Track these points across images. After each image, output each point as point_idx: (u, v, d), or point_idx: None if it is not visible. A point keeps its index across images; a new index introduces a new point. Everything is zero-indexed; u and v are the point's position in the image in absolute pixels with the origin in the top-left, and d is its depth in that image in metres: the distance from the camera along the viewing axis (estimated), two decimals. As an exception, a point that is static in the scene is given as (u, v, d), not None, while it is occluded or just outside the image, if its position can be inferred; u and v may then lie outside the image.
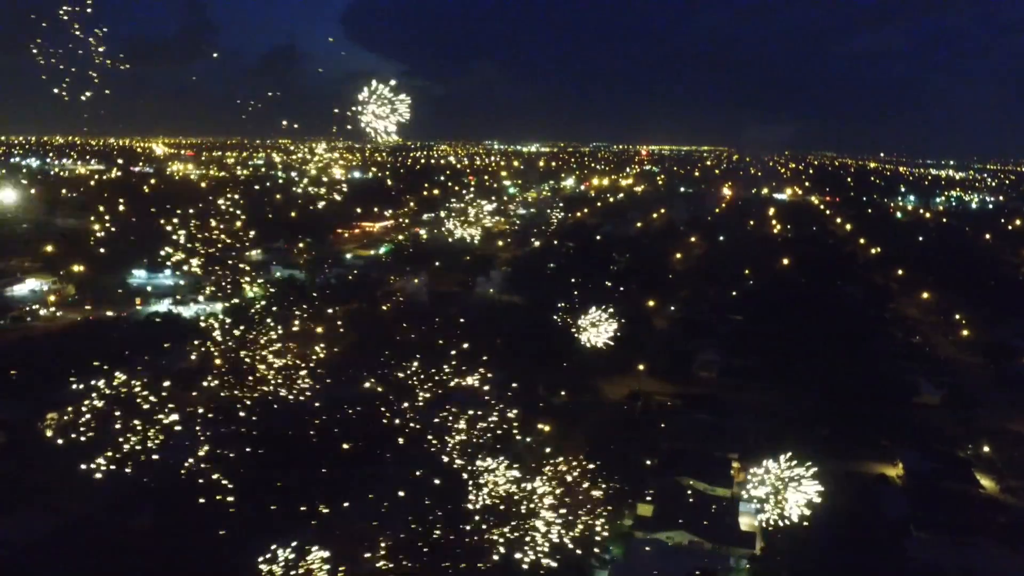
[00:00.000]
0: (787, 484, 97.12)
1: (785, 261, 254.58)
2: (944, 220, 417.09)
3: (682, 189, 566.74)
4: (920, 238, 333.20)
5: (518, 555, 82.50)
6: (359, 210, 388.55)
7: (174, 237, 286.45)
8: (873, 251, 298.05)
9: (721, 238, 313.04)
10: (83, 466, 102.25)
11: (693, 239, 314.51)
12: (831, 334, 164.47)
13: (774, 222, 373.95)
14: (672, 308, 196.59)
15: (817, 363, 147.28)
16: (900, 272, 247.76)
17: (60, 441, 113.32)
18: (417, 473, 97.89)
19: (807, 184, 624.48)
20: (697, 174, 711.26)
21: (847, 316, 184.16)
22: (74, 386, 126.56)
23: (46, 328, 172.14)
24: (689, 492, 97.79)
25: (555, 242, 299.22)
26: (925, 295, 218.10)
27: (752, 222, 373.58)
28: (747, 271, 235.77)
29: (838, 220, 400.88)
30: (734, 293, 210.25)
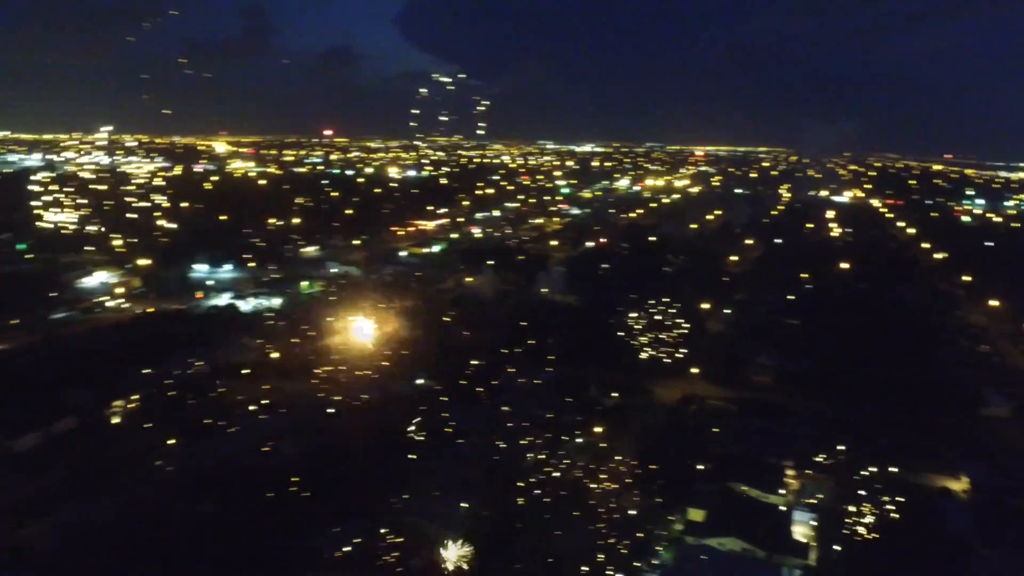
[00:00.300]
0: (844, 495, 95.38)
1: (844, 265, 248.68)
2: (1015, 224, 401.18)
3: (738, 191, 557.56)
4: (989, 243, 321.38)
5: (568, 554, 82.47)
6: (414, 208, 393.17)
7: (234, 233, 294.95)
8: (938, 256, 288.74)
9: (778, 241, 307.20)
10: (147, 451, 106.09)
11: (749, 241, 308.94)
12: (892, 340, 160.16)
13: (833, 225, 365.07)
14: (727, 311, 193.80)
15: (877, 370, 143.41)
16: (967, 278, 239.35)
17: (126, 427, 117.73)
18: (472, 470, 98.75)
19: (868, 186, 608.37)
20: (754, 175, 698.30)
21: (909, 322, 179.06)
22: (138, 375, 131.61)
23: (113, 319, 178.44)
24: (742, 499, 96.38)
25: (609, 243, 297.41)
26: (994, 302, 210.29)
27: (810, 225, 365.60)
28: (804, 275, 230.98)
29: (900, 224, 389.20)
30: (791, 297, 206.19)
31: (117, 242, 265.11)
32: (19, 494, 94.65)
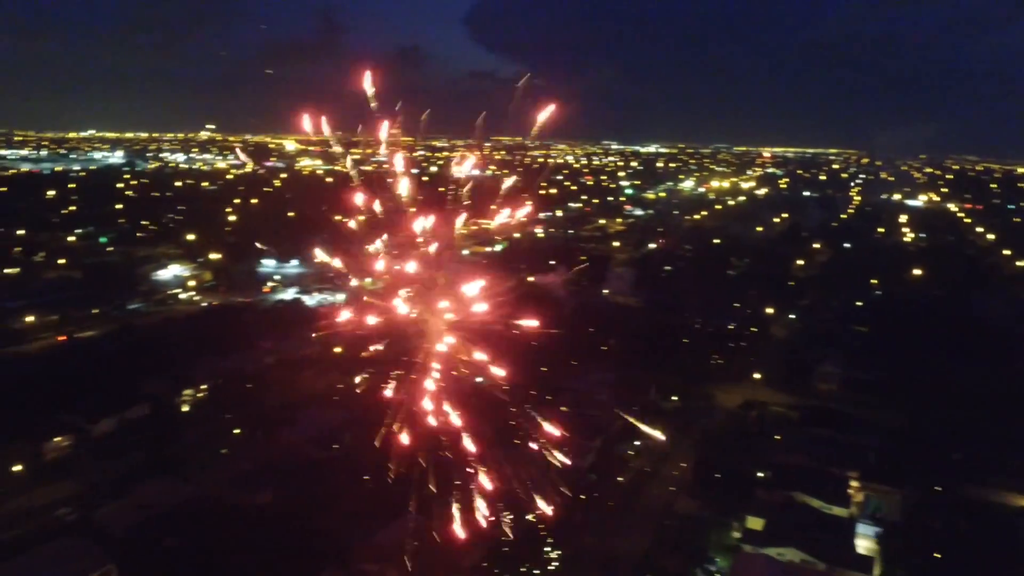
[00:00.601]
0: (912, 509, 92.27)
1: (917, 271, 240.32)
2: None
3: (806, 193, 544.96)
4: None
5: (620, 558, 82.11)
6: (477, 207, 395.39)
7: (301, 229, 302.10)
8: (1020, 263, 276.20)
9: (847, 245, 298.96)
10: (214, 440, 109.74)
11: (817, 245, 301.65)
12: (968, 351, 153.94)
13: (906, 229, 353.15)
14: (792, 316, 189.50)
15: (950, 381, 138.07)
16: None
17: (194, 415, 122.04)
18: (525, 472, 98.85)
19: (944, 190, 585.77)
20: (823, 178, 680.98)
21: (986, 332, 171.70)
22: (207, 365, 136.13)
23: (186, 311, 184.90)
24: (803, 508, 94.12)
25: (672, 244, 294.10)
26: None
27: (881, 229, 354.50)
28: (874, 280, 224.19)
29: (979, 229, 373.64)
30: (859, 303, 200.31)
31: (190, 236, 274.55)
32: (97, 475, 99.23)
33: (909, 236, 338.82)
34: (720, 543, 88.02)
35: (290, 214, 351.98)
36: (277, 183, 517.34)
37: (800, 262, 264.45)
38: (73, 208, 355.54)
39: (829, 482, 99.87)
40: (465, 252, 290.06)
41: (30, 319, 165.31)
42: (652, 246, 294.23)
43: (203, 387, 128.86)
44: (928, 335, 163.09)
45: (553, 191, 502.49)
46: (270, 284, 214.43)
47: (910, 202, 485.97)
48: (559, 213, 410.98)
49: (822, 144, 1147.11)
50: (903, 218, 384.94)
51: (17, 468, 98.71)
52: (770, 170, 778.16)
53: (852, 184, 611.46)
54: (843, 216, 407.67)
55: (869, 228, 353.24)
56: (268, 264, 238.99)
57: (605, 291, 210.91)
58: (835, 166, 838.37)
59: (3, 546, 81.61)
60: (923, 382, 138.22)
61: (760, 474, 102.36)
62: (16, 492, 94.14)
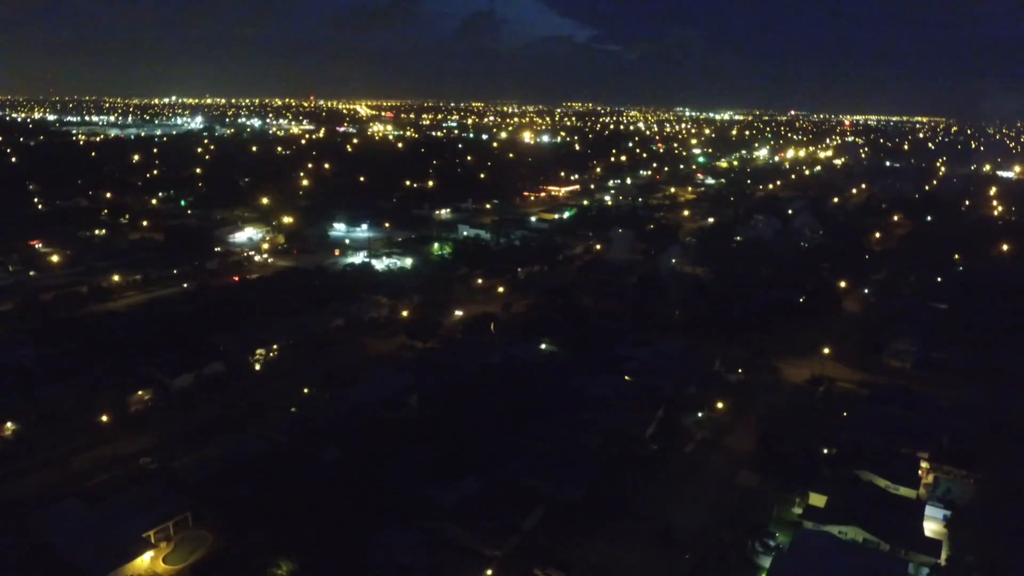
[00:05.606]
0: (986, 494, 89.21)
1: (1004, 247, 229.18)
2: None
3: (888, 163, 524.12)
4: None
5: (678, 528, 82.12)
6: (546, 174, 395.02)
7: (371, 194, 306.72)
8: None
9: (929, 218, 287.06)
10: (283, 397, 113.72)
11: (896, 218, 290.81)
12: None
13: (995, 202, 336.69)
14: (866, 291, 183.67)
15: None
16: None
17: (266, 374, 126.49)
18: (591, 437, 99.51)
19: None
20: (906, 147, 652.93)
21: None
22: (279, 325, 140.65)
23: (259, 272, 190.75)
24: (869, 487, 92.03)
25: (743, 214, 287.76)
26: None
27: (968, 201, 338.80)
28: (957, 256, 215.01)
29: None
30: (939, 279, 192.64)
31: (264, 200, 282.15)
32: (176, 428, 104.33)
33: (998, 209, 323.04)
34: (781, 518, 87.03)
35: (361, 179, 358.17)
36: (349, 148, 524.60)
37: (878, 235, 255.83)
38: (156, 172, 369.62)
39: (897, 462, 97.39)
40: (533, 219, 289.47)
41: (116, 278, 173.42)
42: (722, 215, 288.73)
43: (275, 347, 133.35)
44: (1013, 314, 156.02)
45: (623, 158, 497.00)
46: (340, 248, 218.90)
47: (1002, 173, 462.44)
48: (628, 181, 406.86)
49: (907, 112, 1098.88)
50: (993, 190, 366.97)
51: (105, 419, 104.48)
52: (850, 139, 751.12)
53: (938, 154, 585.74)
54: (927, 187, 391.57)
55: (954, 200, 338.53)
56: (339, 228, 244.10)
57: (673, 260, 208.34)
58: (920, 135, 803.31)
59: (90, 491, 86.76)
60: (1004, 363, 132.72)
61: (825, 451, 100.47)
62: (103, 441, 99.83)
